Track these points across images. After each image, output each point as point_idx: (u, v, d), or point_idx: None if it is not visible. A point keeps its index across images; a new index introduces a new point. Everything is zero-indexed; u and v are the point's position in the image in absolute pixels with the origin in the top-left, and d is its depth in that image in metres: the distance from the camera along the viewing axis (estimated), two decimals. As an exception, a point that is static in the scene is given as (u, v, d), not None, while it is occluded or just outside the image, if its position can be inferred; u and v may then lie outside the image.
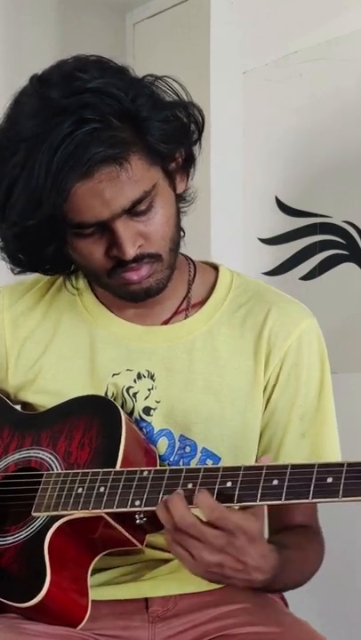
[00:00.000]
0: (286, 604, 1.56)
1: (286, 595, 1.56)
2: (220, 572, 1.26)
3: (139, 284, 1.42)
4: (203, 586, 1.47)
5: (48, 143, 1.30)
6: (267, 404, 1.51)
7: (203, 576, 1.29)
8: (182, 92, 1.43)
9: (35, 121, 1.33)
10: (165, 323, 1.53)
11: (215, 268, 1.60)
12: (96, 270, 1.42)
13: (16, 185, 1.34)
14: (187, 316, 1.53)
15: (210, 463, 1.48)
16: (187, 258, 1.57)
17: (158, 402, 1.49)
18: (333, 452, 1.52)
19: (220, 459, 1.48)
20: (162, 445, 1.48)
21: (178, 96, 1.42)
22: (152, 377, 1.50)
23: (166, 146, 1.38)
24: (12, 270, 1.47)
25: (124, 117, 1.33)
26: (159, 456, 1.47)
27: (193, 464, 1.47)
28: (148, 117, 1.36)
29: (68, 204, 1.33)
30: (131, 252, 1.37)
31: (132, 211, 1.36)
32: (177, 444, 1.48)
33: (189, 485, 1.28)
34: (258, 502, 1.23)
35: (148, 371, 1.50)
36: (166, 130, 1.38)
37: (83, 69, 1.35)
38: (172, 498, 1.24)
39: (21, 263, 1.46)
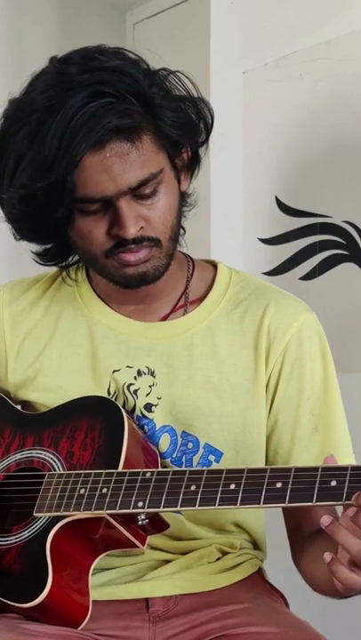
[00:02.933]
0: (287, 604, 1.56)
1: (286, 595, 1.56)
2: None
3: (135, 267, 1.42)
4: (203, 586, 1.48)
5: (62, 113, 1.31)
6: (272, 402, 1.51)
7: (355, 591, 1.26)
8: (193, 89, 1.45)
9: (49, 93, 1.34)
10: (164, 319, 1.54)
11: (214, 265, 1.60)
12: (93, 250, 1.42)
13: (27, 153, 1.35)
14: (185, 312, 1.53)
15: (212, 458, 1.48)
16: (185, 255, 1.58)
17: (160, 398, 1.49)
18: (344, 444, 1.52)
19: (222, 454, 1.48)
20: (164, 442, 1.49)
21: (188, 92, 1.44)
22: (152, 374, 1.50)
23: (176, 132, 1.40)
24: (15, 237, 1.46)
25: (138, 98, 1.35)
26: (161, 453, 1.47)
27: (195, 460, 1.48)
28: (161, 104, 1.38)
29: (77, 174, 1.33)
30: (132, 230, 1.37)
31: (138, 192, 1.37)
32: (179, 441, 1.49)
33: (192, 487, 1.28)
34: (261, 505, 1.23)
35: (148, 367, 1.50)
36: (177, 119, 1.40)
37: (102, 53, 1.38)
38: None
39: (23, 230, 1.45)
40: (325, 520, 1.22)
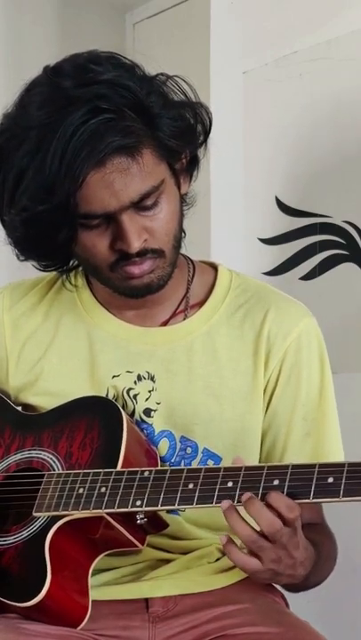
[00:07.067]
0: (287, 604, 1.55)
1: (286, 595, 1.56)
2: (275, 568, 1.27)
3: (140, 279, 1.42)
4: (203, 586, 1.48)
5: (61, 131, 1.30)
6: (268, 405, 1.51)
7: (258, 576, 1.30)
8: (191, 93, 1.44)
9: (46, 109, 1.33)
10: (164, 324, 1.53)
11: (214, 267, 1.60)
12: (98, 264, 1.42)
13: (26, 172, 1.33)
14: (185, 317, 1.53)
15: (211, 464, 1.48)
16: (186, 258, 1.57)
17: (159, 403, 1.49)
18: (336, 451, 1.52)
19: (221, 459, 1.48)
20: (163, 447, 1.48)
21: (186, 96, 1.43)
22: (152, 378, 1.50)
23: (176, 142, 1.39)
24: (18, 257, 1.46)
25: (137, 110, 1.34)
26: (160, 457, 1.47)
27: (194, 465, 1.48)
28: (160, 114, 1.37)
29: (79, 192, 1.33)
30: (136, 244, 1.37)
31: (139, 205, 1.36)
32: (178, 446, 1.49)
33: (190, 486, 1.28)
34: (259, 503, 1.23)
35: (148, 372, 1.50)
36: (176, 128, 1.39)
37: (96, 62, 1.36)
38: (256, 509, 1.23)
39: (26, 251, 1.44)
40: (225, 504, 1.25)
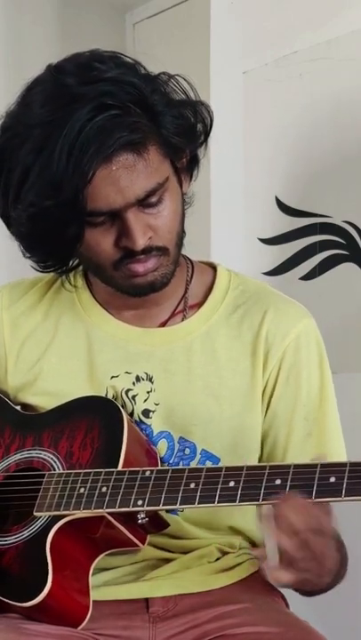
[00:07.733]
0: (287, 604, 1.56)
1: (286, 595, 1.56)
2: (308, 578, 1.25)
3: (144, 277, 1.42)
4: (203, 586, 1.48)
5: (68, 127, 1.30)
6: (268, 406, 1.51)
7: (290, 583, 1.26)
8: (192, 92, 1.44)
9: (50, 107, 1.33)
10: (163, 324, 1.53)
11: (213, 268, 1.60)
12: (102, 262, 1.42)
13: (32, 169, 1.33)
14: (184, 318, 1.53)
15: (210, 465, 1.47)
16: (185, 258, 1.57)
17: (157, 404, 1.49)
18: (338, 451, 1.52)
19: (219, 460, 1.48)
20: (161, 447, 1.48)
21: (187, 96, 1.43)
22: (151, 379, 1.49)
23: (180, 139, 1.39)
24: (23, 254, 1.45)
25: (142, 107, 1.34)
26: (160, 458, 1.47)
27: (193, 466, 1.47)
28: (163, 112, 1.37)
29: (86, 190, 1.33)
30: (141, 242, 1.37)
31: (144, 202, 1.36)
32: (176, 446, 1.48)
33: (192, 485, 1.28)
34: (260, 502, 1.23)
35: (146, 373, 1.50)
36: (179, 126, 1.39)
37: (99, 61, 1.36)
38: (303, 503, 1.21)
39: (32, 248, 1.44)
40: (265, 509, 1.22)
